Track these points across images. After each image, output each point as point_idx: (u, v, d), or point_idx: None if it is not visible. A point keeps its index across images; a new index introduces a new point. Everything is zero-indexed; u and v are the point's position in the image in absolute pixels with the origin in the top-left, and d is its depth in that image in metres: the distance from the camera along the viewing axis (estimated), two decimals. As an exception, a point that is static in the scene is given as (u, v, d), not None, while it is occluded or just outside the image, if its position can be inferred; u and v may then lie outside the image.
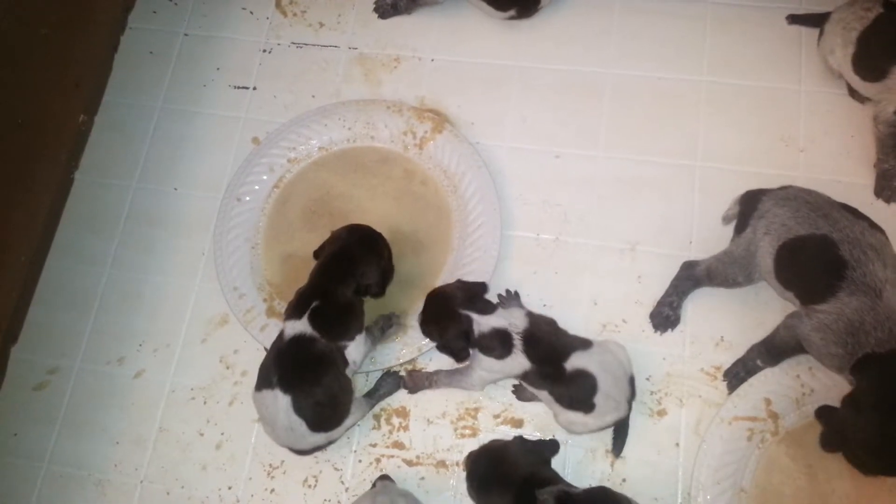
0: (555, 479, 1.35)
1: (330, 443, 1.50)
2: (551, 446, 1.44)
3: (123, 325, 1.74)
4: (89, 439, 1.65)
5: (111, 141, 1.90)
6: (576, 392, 1.41)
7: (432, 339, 1.52)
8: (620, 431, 1.50)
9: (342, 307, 1.47)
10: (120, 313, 1.75)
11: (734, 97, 1.79)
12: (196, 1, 2.02)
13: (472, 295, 1.48)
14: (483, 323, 1.45)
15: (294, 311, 1.46)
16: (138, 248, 1.80)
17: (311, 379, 1.42)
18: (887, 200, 1.66)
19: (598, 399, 1.40)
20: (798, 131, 1.74)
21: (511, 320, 1.45)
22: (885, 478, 1.41)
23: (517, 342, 1.43)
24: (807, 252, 1.36)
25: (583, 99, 1.84)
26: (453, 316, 1.45)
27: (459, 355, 1.49)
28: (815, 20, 1.77)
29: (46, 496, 1.61)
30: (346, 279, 1.48)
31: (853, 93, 1.74)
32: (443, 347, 1.50)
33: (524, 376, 1.45)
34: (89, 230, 1.82)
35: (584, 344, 1.45)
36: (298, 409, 1.40)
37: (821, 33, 1.73)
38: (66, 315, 1.75)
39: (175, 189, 1.85)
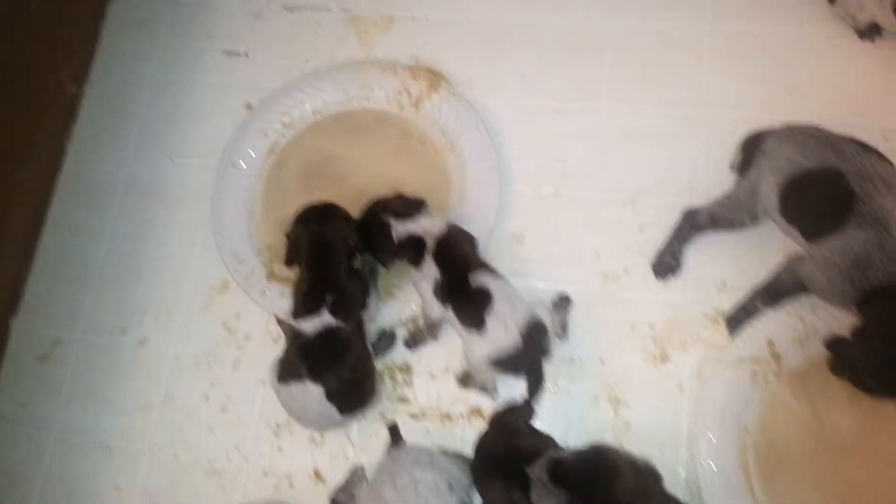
0: (538, 449, 1.41)
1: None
2: (525, 412, 1.54)
3: (124, 295, 1.88)
4: (96, 407, 1.79)
5: (103, 112, 2.04)
6: (471, 306, 1.54)
7: (362, 242, 1.68)
8: (532, 384, 1.57)
9: (351, 287, 1.61)
10: (120, 284, 1.89)
11: (736, 44, 1.90)
12: None
13: (406, 206, 1.65)
14: (400, 228, 1.63)
15: (306, 309, 1.57)
16: (135, 219, 1.94)
17: (340, 365, 1.54)
18: None
19: (490, 321, 1.51)
20: (802, 77, 1.85)
21: (427, 228, 1.61)
22: (882, 412, 1.53)
23: (430, 247, 1.59)
24: (814, 185, 1.46)
25: (583, 52, 1.96)
26: (374, 220, 1.64)
27: (383, 260, 1.68)
28: None
29: (57, 463, 1.76)
30: (336, 261, 1.61)
31: (862, 34, 1.84)
32: (369, 251, 1.68)
33: (437, 291, 1.59)
34: (85, 202, 1.97)
35: (494, 272, 1.60)
36: (332, 395, 1.53)
37: None
38: (66, 287, 1.90)
39: (170, 159, 1.99)
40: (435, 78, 1.95)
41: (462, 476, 1.49)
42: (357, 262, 1.68)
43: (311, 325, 1.56)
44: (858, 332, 1.42)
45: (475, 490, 1.47)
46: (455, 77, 1.97)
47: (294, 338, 1.59)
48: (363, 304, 1.62)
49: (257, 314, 1.79)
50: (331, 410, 1.54)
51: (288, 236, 1.68)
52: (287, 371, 1.56)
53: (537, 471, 1.35)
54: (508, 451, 1.43)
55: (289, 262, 1.67)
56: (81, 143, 2.01)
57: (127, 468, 1.73)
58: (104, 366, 1.81)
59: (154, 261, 1.89)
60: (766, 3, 1.92)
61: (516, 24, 2.00)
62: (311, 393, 1.52)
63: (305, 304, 1.58)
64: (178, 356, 1.81)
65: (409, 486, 1.42)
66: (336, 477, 1.66)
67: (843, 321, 1.52)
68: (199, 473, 1.71)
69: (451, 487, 1.43)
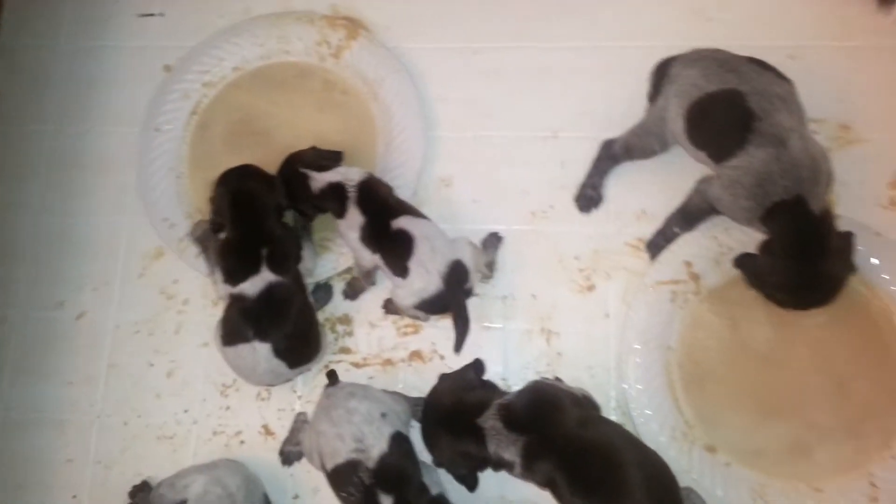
0: (485, 401, 1.47)
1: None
2: (476, 368, 1.60)
3: (59, 269, 1.89)
4: (42, 383, 1.82)
5: (17, 85, 2.01)
6: (393, 250, 1.60)
7: (288, 198, 1.72)
8: (459, 325, 1.63)
9: (284, 239, 1.64)
10: (54, 258, 1.89)
11: None
12: None
13: (322, 157, 1.71)
14: (319, 179, 1.66)
15: (243, 270, 1.58)
16: (63, 192, 1.93)
17: (285, 320, 1.58)
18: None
19: (412, 266, 1.57)
20: (705, 5, 1.89)
21: (347, 175, 1.65)
22: (797, 321, 1.63)
23: (351, 194, 1.63)
24: (716, 108, 1.52)
25: None
26: (292, 173, 1.68)
27: (305, 212, 1.72)
28: None
29: (6, 442, 1.78)
30: (265, 214, 1.64)
31: None
32: (290, 204, 1.71)
33: (364, 237, 1.63)
34: (9, 179, 1.94)
35: (419, 215, 1.65)
36: (280, 352, 1.57)
37: None
38: (5, 270, 1.88)
39: (90, 128, 1.97)
40: (353, 26, 1.95)
41: (398, 408, 1.56)
42: (286, 218, 1.71)
43: (252, 286, 1.58)
44: (763, 247, 1.51)
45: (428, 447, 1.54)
46: (374, 23, 1.97)
47: (235, 300, 1.60)
48: (298, 257, 1.65)
49: (194, 278, 1.81)
50: (279, 366, 1.59)
51: (211, 200, 1.69)
52: (232, 333, 1.59)
53: (490, 421, 1.44)
54: (455, 407, 1.50)
55: (215, 227, 1.69)
56: (23, 124, 1.97)
57: (78, 440, 1.77)
58: (45, 341, 1.83)
59: (85, 232, 1.89)
60: None
61: None
62: (259, 352, 1.56)
63: (242, 264, 1.59)
64: (118, 326, 1.83)
65: (343, 417, 1.49)
66: (285, 429, 1.73)
67: (754, 238, 1.60)
68: (150, 439, 1.76)
69: (384, 416, 1.50)
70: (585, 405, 1.49)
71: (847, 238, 1.51)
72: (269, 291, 1.58)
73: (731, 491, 1.58)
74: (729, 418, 1.64)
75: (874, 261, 1.67)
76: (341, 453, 1.47)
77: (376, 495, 1.43)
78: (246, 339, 1.56)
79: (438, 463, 1.54)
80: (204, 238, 1.74)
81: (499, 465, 1.46)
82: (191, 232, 1.77)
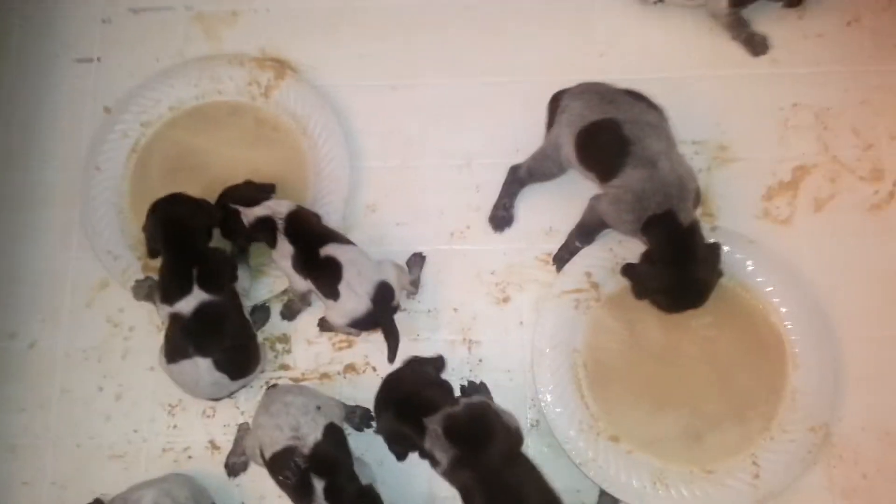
0: (438, 403, 1.60)
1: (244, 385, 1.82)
2: (437, 363, 1.74)
3: (9, 302, 1.98)
4: None
5: None
6: (323, 276, 1.73)
7: (222, 233, 1.85)
8: (389, 340, 1.78)
9: (214, 260, 1.76)
10: (4, 293, 1.99)
11: (538, 15, 2.13)
12: None
13: (254, 190, 1.84)
14: (249, 213, 1.79)
15: (176, 291, 1.70)
16: (10, 230, 2.03)
17: (222, 335, 1.70)
18: (763, 51, 2.07)
19: (342, 289, 1.72)
20: (598, 39, 2.11)
21: (275, 209, 1.78)
22: (685, 322, 1.83)
23: (280, 226, 1.76)
24: (598, 135, 1.71)
25: (411, 33, 2.16)
26: (224, 209, 1.81)
27: (238, 244, 1.85)
28: None
29: None
30: (194, 237, 1.76)
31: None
32: (225, 237, 1.84)
33: (294, 264, 1.76)
34: None
35: (345, 241, 1.79)
36: (220, 364, 1.69)
37: None
38: None
39: (36, 169, 2.07)
40: (281, 66, 2.09)
41: (333, 405, 1.70)
42: (224, 245, 1.84)
43: (186, 305, 1.69)
44: (643, 257, 1.71)
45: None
46: (300, 64, 2.12)
47: (174, 319, 1.72)
48: (233, 277, 1.77)
49: (139, 306, 1.91)
50: (222, 378, 1.71)
51: (144, 229, 1.81)
52: (174, 351, 1.71)
53: (433, 424, 1.57)
54: (409, 398, 1.62)
55: (151, 254, 1.80)
56: None
57: (33, 463, 1.86)
58: None
59: (33, 267, 1.99)
60: None
61: (349, 9, 2.16)
62: (201, 366, 1.68)
63: (176, 284, 1.71)
64: (67, 353, 1.93)
65: (281, 409, 1.62)
66: (230, 443, 1.84)
67: (642, 249, 1.80)
68: (103, 458, 1.86)
69: (318, 409, 1.64)
70: (515, 439, 1.62)
71: (714, 247, 1.71)
72: (202, 309, 1.70)
73: (633, 476, 1.76)
74: (629, 411, 1.82)
75: (750, 266, 1.88)
76: (279, 441, 1.60)
77: (310, 479, 1.57)
78: (187, 356, 1.68)
79: (378, 430, 1.68)
80: (149, 295, 1.84)
81: (429, 458, 1.59)
82: (135, 296, 1.87)
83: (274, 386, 1.80)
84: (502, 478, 1.54)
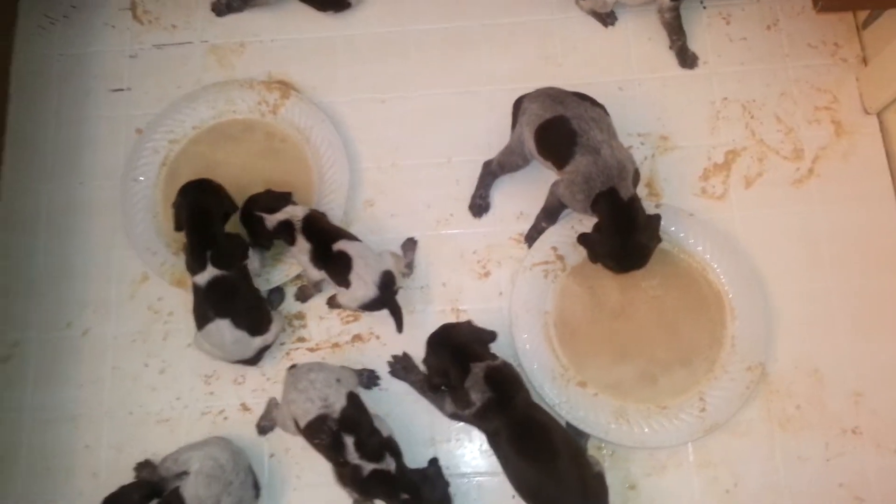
0: (483, 355, 1.87)
1: (267, 347, 2.07)
2: (489, 335, 1.96)
3: (64, 298, 2.24)
4: (58, 388, 2.17)
5: (22, 152, 2.36)
6: (336, 268, 2.01)
7: (248, 235, 2.11)
8: (395, 315, 2.07)
9: (227, 243, 2.03)
10: (59, 289, 2.25)
11: (504, 33, 2.42)
12: (64, 24, 2.49)
13: (274, 199, 2.10)
14: (271, 219, 2.06)
15: (196, 266, 1.99)
16: (61, 234, 2.29)
17: (236, 300, 1.99)
18: (691, 66, 2.35)
19: (353, 279, 2.00)
20: (555, 51, 2.40)
21: (293, 213, 2.06)
22: (637, 284, 2.12)
23: (297, 227, 2.04)
24: (552, 130, 1.99)
25: (395, 54, 2.43)
26: (250, 216, 2.09)
27: (262, 245, 2.12)
28: None
29: (34, 438, 2.13)
30: (212, 223, 2.03)
31: (604, 21, 2.40)
32: (254, 243, 2.10)
33: (312, 258, 2.03)
34: (20, 227, 2.30)
35: (353, 238, 2.06)
36: (238, 323, 1.97)
37: None
38: (14, 298, 2.24)
39: (81, 183, 2.34)
40: (285, 88, 2.38)
41: (346, 374, 1.98)
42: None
43: (202, 278, 1.98)
44: (594, 228, 1.99)
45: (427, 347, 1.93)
46: (302, 85, 2.40)
47: (195, 291, 2.00)
48: (244, 255, 2.04)
49: (175, 294, 2.20)
50: (243, 336, 1.98)
51: (174, 206, 2.08)
52: (199, 319, 1.99)
53: (477, 369, 1.84)
54: (466, 345, 1.89)
55: (177, 227, 2.07)
56: (9, 180, 2.32)
57: (92, 430, 2.13)
58: (58, 354, 2.18)
59: (83, 266, 2.25)
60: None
61: (341, 37, 2.44)
62: (222, 327, 1.96)
63: (193, 259, 2.00)
64: (116, 337, 2.20)
65: (307, 385, 1.89)
66: (259, 405, 2.12)
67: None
68: (151, 423, 2.13)
69: (338, 381, 1.91)
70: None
71: (654, 218, 1.99)
72: (214, 281, 1.97)
73: (599, 414, 2.03)
74: (593, 360, 2.10)
75: (690, 235, 2.16)
76: (312, 412, 1.86)
77: (341, 437, 1.84)
78: (209, 319, 1.96)
79: (426, 362, 1.95)
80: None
81: (461, 397, 1.85)
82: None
83: (294, 366, 2.02)
84: (528, 417, 1.83)
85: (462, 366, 1.86)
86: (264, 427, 2.11)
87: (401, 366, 2.10)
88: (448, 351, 1.90)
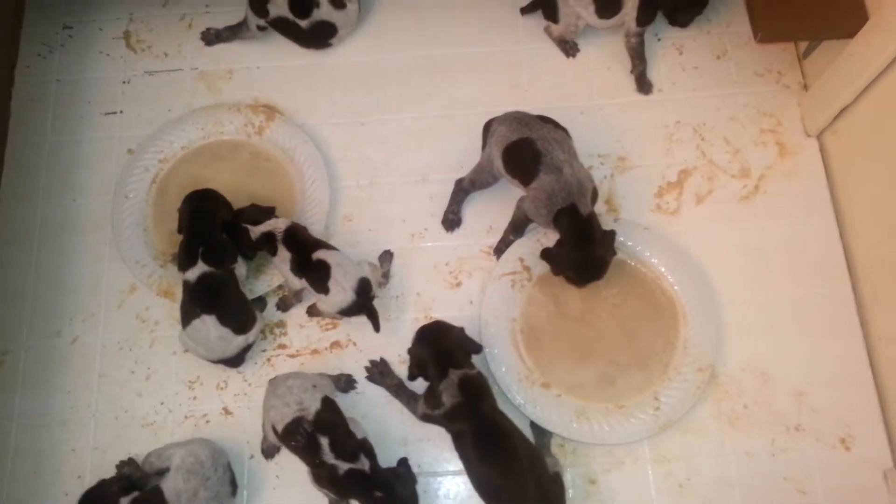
0: (463, 363, 1.97)
1: (248, 346, 2.16)
2: (475, 347, 2.06)
3: (54, 307, 2.33)
4: (47, 394, 2.25)
5: (19, 171, 2.47)
6: (316, 275, 2.12)
7: (234, 245, 2.20)
8: (372, 319, 2.18)
9: (220, 242, 2.15)
10: (50, 300, 2.34)
11: (476, 62, 2.59)
12: (62, 52, 2.63)
13: (258, 213, 2.23)
14: (255, 230, 2.18)
15: (187, 262, 2.10)
16: (54, 249, 2.39)
17: (223, 298, 2.08)
18: (647, 93, 2.52)
19: (331, 283, 2.11)
20: (523, 79, 2.56)
21: (275, 225, 2.18)
22: (598, 294, 2.26)
23: (279, 237, 2.17)
24: (518, 150, 2.12)
25: (374, 81, 2.58)
26: (236, 227, 2.20)
27: (246, 254, 2.22)
28: (541, 5, 2.55)
29: (22, 441, 2.20)
30: (208, 225, 2.14)
31: (567, 52, 2.58)
32: (239, 252, 2.20)
33: (292, 267, 2.14)
34: (14, 241, 2.40)
35: (331, 247, 2.18)
36: (223, 320, 2.06)
37: (554, 15, 2.51)
38: (6, 308, 2.33)
39: (74, 200, 2.45)
40: (270, 111, 2.52)
41: (323, 381, 2.08)
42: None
43: (192, 274, 2.08)
44: (557, 242, 2.12)
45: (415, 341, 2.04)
46: (285, 108, 2.54)
47: (185, 288, 2.10)
48: (233, 259, 2.15)
49: (162, 305, 2.30)
50: (227, 333, 2.06)
51: (179, 211, 2.21)
52: (186, 315, 2.08)
53: (454, 375, 1.95)
54: (447, 350, 1.99)
55: (179, 230, 2.19)
56: (5, 196, 2.44)
57: (79, 434, 2.20)
58: (48, 362, 2.27)
59: (74, 278, 2.35)
60: (493, 30, 2.62)
61: (323, 64, 2.59)
62: (207, 322, 2.05)
63: (185, 256, 2.10)
64: (104, 345, 2.29)
65: (284, 391, 1.98)
66: (240, 410, 2.22)
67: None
68: (136, 427, 2.21)
69: (314, 386, 2.01)
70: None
71: (610, 233, 2.13)
72: (204, 277, 2.08)
73: (562, 414, 2.14)
74: (557, 363, 2.22)
75: (646, 248, 2.31)
76: (288, 415, 1.95)
77: (317, 438, 1.93)
78: (196, 315, 2.05)
79: (411, 352, 2.05)
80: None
81: (434, 397, 1.96)
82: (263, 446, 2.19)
83: (274, 378, 2.10)
84: (491, 422, 1.93)
85: (442, 369, 1.98)
86: (267, 450, 2.18)
87: (378, 371, 2.20)
88: (433, 352, 2.01)
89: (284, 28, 2.54)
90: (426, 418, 2.04)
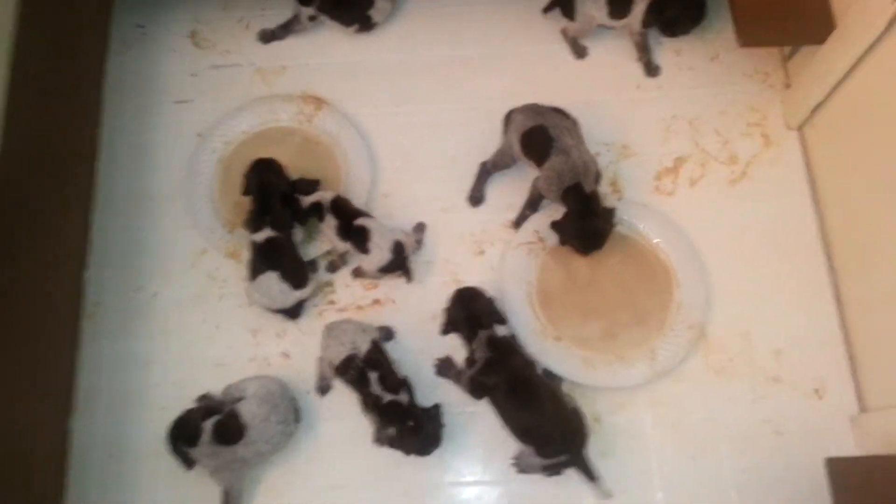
0: (493, 321, 2.24)
1: (303, 300, 2.48)
2: (501, 319, 2.28)
3: (137, 267, 2.63)
4: (132, 340, 2.56)
5: (114, 153, 2.80)
6: (358, 238, 2.41)
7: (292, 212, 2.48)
8: (406, 274, 2.49)
9: (282, 211, 2.47)
10: (133, 260, 2.63)
11: (498, 60, 2.88)
12: (137, 49, 2.95)
13: (306, 185, 2.55)
14: (306, 200, 2.50)
15: (257, 225, 2.43)
16: (138, 217, 2.69)
17: (284, 258, 2.41)
18: (655, 76, 2.82)
19: (371, 245, 2.40)
20: (538, 75, 2.86)
21: (323, 196, 2.48)
22: (603, 261, 2.55)
23: (326, 206, 2.46)
24: (533, 135, 2.42)
25: (407, 75, 2.86)
26: (288, 197, 2.48)
27: (300, 219, 2.50)
28: (560, 2, 2.83)
29: (115, 378, 2.51)
30: (272, 195, 2.47)
31: (575, 47, 2.89)
32: (295, 217, 2.48)
33: (337, 232, 2.43)
34: (105, 209, 2.72)
35: (370, 216, 2.46)
36: (283, 276, 2.38)
37: (572, 13, 2.82)
38: (97, 269, 2.64)
39: (152, 175, 2.78)
40: (318, 101, 2.83)
41: (371, 329, 2.40)
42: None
43: (259, 236, 2.40)
44: (565, 214, 2.44)
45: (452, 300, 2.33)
46: (332, 99, 2.84)
47: (252, 248, 2.43)
48: (292, 225, 2.47)
49: (229, 264, 2.61)
50: (286, 288, 2.38)
51: (244, 176, 2.52)
52: (253, 270, 2.40)
53: (483, 335, 2.23)
54: (479, 312, 2.28)
55: (244, 192, 2.50)
56: (106, 171, 2.78)
57: (160, 372, 2.52)
58: (132, 312, 2.59)
59: (153, 241, 2.65)
60: (513, 33, 2.92)
61: (364, 61, 2.89)
62: (271, 278, 2.37)
63: (255, 223, 2.43)
64: (180, 299, 2.60)
65: (339, 333, 2.32)
66: (297, 354, 2.52)
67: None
68: (209, 366, 2.51)
69: (364, 331, 2.35)
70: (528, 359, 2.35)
71: (609, 209, 2.43)
72: (269, 240, 2.40)
73: (571, 363, 2.43)
74: (566, 320, 2.51)
75: (645, 224, 2.61)
76: (343, 353, 2.27)
77: (366, 373, 2.26)
78: (262, 271, 2.37)
79: (446, 312, 2.33)
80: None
81: (470, 357, 2.26)
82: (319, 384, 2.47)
83: (330, 323, 2.43)
84: (521, 374, 2.23)
85: (472, 330, 2.27)
86: (322, 387, 2.48)
87: (444, 365, 2.45)
88: (464, 314, 2.31)
89: (330, 7, 2.83)
90: (471, 382, 2.27)
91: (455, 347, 2.45)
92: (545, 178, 2.44)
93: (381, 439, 2.31)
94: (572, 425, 2.25)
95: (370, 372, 2.28)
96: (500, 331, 2.29)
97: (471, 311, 2.30)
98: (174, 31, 3.02)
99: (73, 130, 2.53)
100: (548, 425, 2.21)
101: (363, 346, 2.31)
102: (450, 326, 2.37)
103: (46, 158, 2.43)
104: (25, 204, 2.26)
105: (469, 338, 2.29)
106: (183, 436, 2.27)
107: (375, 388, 2.27)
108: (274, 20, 2.99)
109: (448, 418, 2.38)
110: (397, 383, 2.31)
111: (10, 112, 2.31)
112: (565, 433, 2.22)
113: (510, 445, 2.33)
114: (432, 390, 2.48)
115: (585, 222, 2.40)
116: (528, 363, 2.27)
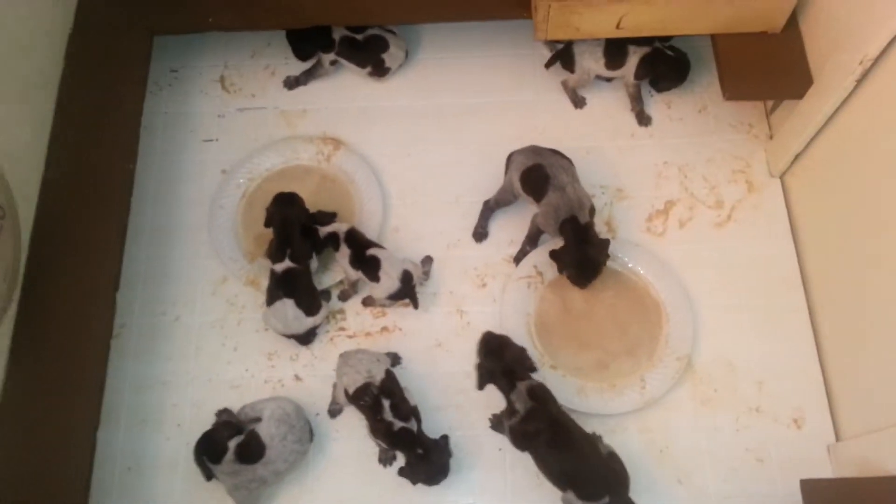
0: (524, 376, 2.27)
1: (316, 327, 2.62)
2: (532, 366, 2.32)
3: (161, 293, 2.79)
4: (153, 360, 2.70)
5: (142, 186, 2.93)
6: (369, 267, 2.55)
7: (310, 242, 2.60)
8: (413, 301, 2.62)
9: (301, 245, 2.62)
10: (158, 286, 2.79)
11: (502, 106, 3.06)
12: (168, 91, 3.15)
13: (323, 217, 2.70)
14: (323, 230, 2.63)
15: (278, 257, 2.59)
16: (162, 246, 2.87)
17: (300, 287, 2.56)
18: (646, 125, 3.00)
19: (381, 273, 2.54)
20: (539, 122, 3.05)
21: (338, 227, 2.62)
22: (597, 295, 2.71)
23: (342, 237, 2.59)
24: (531, 173, 2.59)
25: (417, 120, 3.05)
26: (307, 229, 2.59)
27: (316, 249, 2.62)
28: (561, 57, 3.04)
29: (134, 398, 2.64)
30: (293, 229, 2.61)
31: (576, 104, 3.09)
32: (313, 247, 2.60)
33: (350, 261, 2.56)
34: (130, 239, 2.81)
35: (381, 247, 2.61)
36: (298, 304, 2.54)
37: (571, 66, 3.03)
38: (124, 292, 2.73)
39: (178, 208, 2.97)
40: (337, 143, 3.02)
41: (384, 358, 2.53)
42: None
43: (280, 267, 2.55)
44: (562, 246, 2.60)
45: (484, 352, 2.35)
46: (349, 141, 3.03)
47: (271, 277, 2.58)
48: (310, 256, 2.62)
49: (248, 292, 2.78)
50: (300, 315, 2.53)
51: (267, 210, 2.66)
52: (271, 297, 2.55)
53: (522, 386, 2.25)
54: (514, 367, 2.29)
55: (266, 225, 2.64)
56: (137, 203, 2.86)
57: (179, 392, 2.65)
58: (155, 335, 2.72)
59: (176, 269, 2.82)
60: (516, 83, 3.12)
61: (378, 107, 3.07)
62: (287, 304, 2.52)
63: (276, 255, 2.57)
64: (200, 324, 2.75)
65: (356, 362, 2.44)
66: (308, 377, 2.67)
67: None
68: (226, 388, 2.65)
69: (378, 360, 2.48)
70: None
71: (604, 240, 2.57)
72: (288, 271, 2.55)
73: (566, 390, 2.53)
74: (562, 350, 2.63)
75: (637, 261, 2.77)
76: (359, 381, 2.35)
77: (381, 400, 2.36)
78: (279, 298, 2.52)
79: (479, 367, 2.33)
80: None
81: (510, 407, 2.29)
82: (331, 407, 2.59)
83: (345, 352, 2.55)
84: (560, 420, 2.26)
85: (510, 382, 2.29)
86: (333, 410, 2.60)
87: (496, 421, 2.52)
88: (500, 366, 2.32)
89: (348, 50, 3.04)
90: (511, 431, 2.31)
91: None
92: (543, 214, 2.61)
93: (385, 460, 2.44)
94: (614, 468, 2.33)
95: (384, 399, 2.39)
96: (535, 379, 2.33)
97: (506, 364, 2.32)
98: (205, 75, 3.23)
99: (111, 165, 2.72)
100: (589, 468, 2.24)
101: (378, 375, 2.44)
102: (486, 379, 2.34)
103: (87, 189, 2.61)
104: (67, 230, 2.43)
105: (507, 390, 2.31)
106: (209, 452, 2.38)
107: (388, 415, 2.38)
108: (297, 67, 3.20)
109: (453, 440, 2.49)
110: (408, 411, 2.42)
111: (54, 147, 2.50)
112: (607, 476, 2.25)
113: (517, 469, 2.43)
114: (436, 412, 2.60)
115: (582, 252, 2.55)
116: (562, 409, 2.31)
